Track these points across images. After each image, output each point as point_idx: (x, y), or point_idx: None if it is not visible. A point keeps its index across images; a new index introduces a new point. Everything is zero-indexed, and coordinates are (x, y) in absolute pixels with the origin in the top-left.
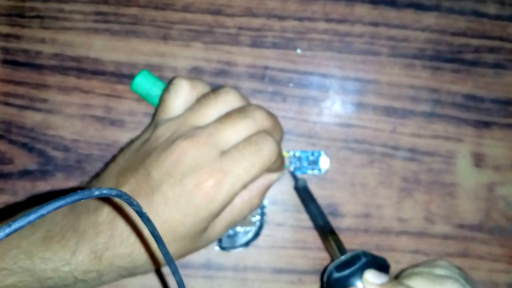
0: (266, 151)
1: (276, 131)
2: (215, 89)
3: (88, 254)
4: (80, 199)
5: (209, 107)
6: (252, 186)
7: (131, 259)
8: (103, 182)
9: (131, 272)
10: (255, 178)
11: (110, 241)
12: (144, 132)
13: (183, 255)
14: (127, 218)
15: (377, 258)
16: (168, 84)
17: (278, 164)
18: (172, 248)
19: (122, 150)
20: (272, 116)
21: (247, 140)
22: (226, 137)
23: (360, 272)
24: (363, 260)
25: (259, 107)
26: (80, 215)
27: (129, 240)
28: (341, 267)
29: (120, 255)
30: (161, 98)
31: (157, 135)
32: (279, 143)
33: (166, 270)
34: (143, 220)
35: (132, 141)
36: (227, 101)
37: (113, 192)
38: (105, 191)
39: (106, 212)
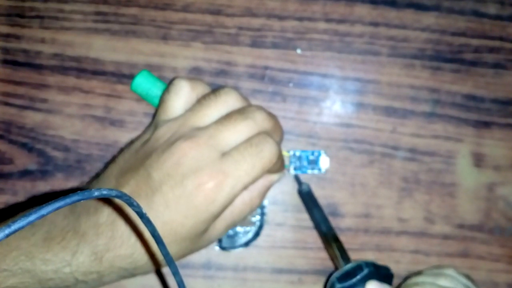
0: (267, 152)
1: (276, 132)
2: (215, 89)
3: (88, 255)
4: (80, 200)
5: (209, 108)
6: (253, 186)
7: (132, 260)
8: (103, 183)
9: (132, 273)
10: (255, 179)
11: (111, 242)
12: (144, 132)
13: (183, 255)
14: (127, 219)
15: (380, 268)
16: (168, 84)
17: (278, 165)
18: (172, 249)
19: (122, 150)
20: (272, 117)
21: (248, 141)
22: (227, 138)
23: (362, 283)
24: (365, 271)
25: (260, 108)
26: (81, 216)
27: (130, 241)
28: (343, 277)
29: (121, 256)
30: (161, 99)
31: (157, 136)
32: (279, 144)
33: (166, 270)
34: (143, 221)
35: (132, 142)
36: (228, 101)
37: (113, 193)
38: (105, 192)
39: (107, 213)
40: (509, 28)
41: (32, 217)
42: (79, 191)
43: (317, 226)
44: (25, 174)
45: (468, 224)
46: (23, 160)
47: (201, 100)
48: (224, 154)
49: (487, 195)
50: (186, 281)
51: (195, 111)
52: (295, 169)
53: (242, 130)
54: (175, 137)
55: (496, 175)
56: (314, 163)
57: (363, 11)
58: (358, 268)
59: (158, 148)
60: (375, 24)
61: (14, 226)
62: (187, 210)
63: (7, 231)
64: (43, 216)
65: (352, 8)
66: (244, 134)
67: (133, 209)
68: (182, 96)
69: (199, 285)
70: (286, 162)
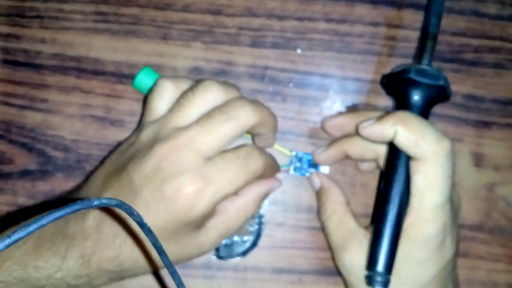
0: (252, 166)
1: (264, 125)
2: (194, 84)
3: (77, 259)
4: (80, 209)
5: (188, 107)
6: (247, 193)
7: (118, 262)
8: (90, 185)
9: (120, 276)
10: (239, 189)
11: (97, 244)
12: (131, 135)
13: (174, 260)
14: (114, 221)
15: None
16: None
17: (269, 172)
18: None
19: (111, 153)
20: (258, 110)
21: (235, 153)
22: (209, 143)
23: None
24: (441, 82)
25: (244, 102)
26: (69, 220)
27: (115, 243)
28: (420, 72)
29: (107, 259)
30: (146, 100)
31: (141, 139)
32: (274, 133)
33: (164, 271)
34: (144, 231)
35: (120, 144)
36: (207, 97)
37: (113, 202)
38: (104, 201)
39: (93, 216)
40: (509, 28)
41: (31, 228)
42: (78, 201)
43: (428, 17)
44: (25, 174)
45: (468, 224)
46: (23, 160)
47: (179, 100)
48: (208, 160)
49: (487, 195)
50: (186, 281)
51: (174, 111)
52: (294, 170)
53: (225, 133)
54: (155, 140)
55: (496, 175)
56: (314, 166)
57: (363, 11)
58: (439, 74)
59: (140, 151)
60: (375, 24)
61: (14, 237)
62: (166, 215)
63: (7, 241)
64: (42, 226)
65: (352, 8)
66: (228, 138)
67: (134, 219)
68: (165, 97)
69: (199, 285)
70: (287, 161)
